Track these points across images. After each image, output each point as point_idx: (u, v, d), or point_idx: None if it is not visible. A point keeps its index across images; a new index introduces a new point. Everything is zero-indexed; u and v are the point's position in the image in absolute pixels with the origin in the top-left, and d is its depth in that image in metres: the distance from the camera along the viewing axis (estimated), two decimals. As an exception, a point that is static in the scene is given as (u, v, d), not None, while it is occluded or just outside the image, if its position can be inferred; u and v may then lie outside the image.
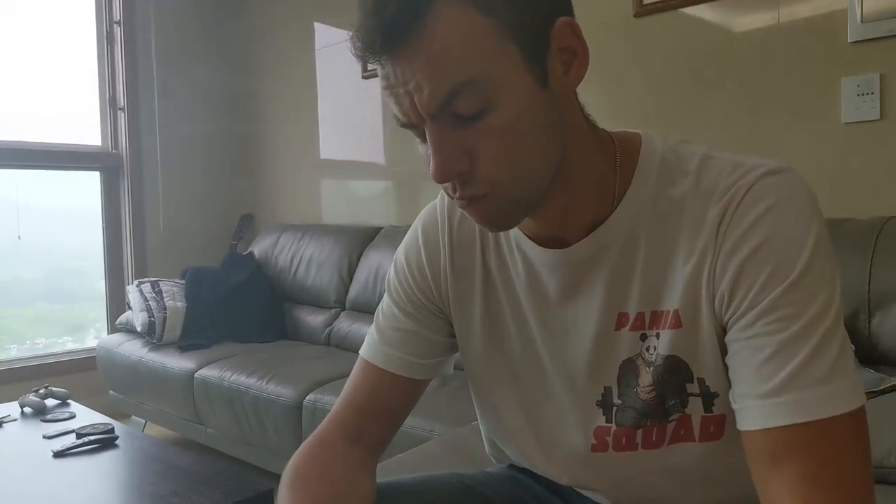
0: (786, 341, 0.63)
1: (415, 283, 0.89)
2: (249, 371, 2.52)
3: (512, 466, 0.98)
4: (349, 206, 3.55)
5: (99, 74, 3.70)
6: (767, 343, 0.64)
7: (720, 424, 0.74)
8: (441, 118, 0.65)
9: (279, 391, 2.36)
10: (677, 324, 0.72)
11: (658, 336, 0.74)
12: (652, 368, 0.74)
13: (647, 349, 0.75)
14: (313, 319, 3.16)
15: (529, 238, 0.80)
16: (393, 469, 1.28)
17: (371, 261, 3.00)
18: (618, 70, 2.38)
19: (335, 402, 2.25)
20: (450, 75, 0.63)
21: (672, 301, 0.72)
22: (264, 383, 2.42)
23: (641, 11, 2.37)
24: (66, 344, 3.73)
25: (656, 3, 2.34)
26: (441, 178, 0.67)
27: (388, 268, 2.86)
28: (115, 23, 3.67)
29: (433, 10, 0.63)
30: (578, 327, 0.78)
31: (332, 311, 3.13)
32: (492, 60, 0.64)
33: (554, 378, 0.82)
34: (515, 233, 0.81)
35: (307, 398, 2.27)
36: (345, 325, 3.01)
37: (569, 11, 0.69)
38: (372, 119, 3.35)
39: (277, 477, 2.46)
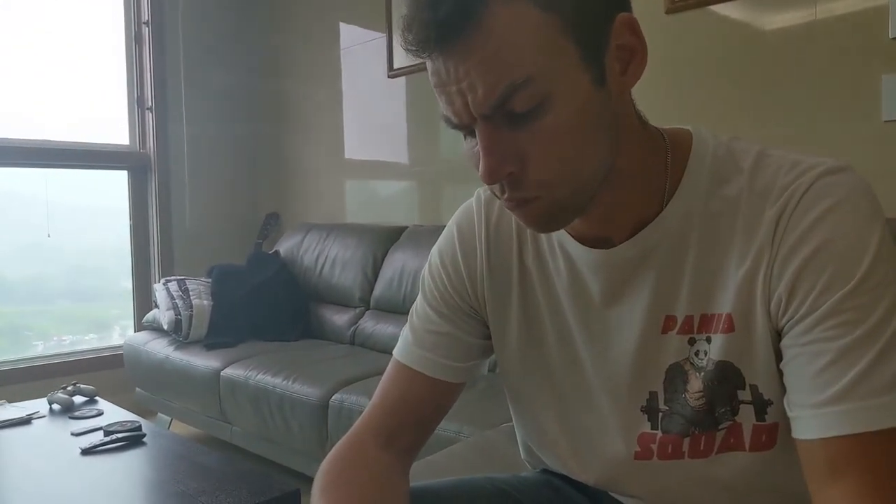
0: (846, 348, 0.61)
1: (450, 284, 0.86)
2: (275, 370, 2.52)
3: (546, 471, 0.95)
4: (373, 205, 3.55)
5: (127, 74, 3.72)
6: (827, 349, 0.62)
7: (772, 434, 0.71)
8: (493, 118, 0.63)
9: (305, 390, 2.35)
10: (730, 328, 0.69)
11: (709, 340, 0.71)
12: (702, 374, 0.72)
13: (697, 354, 0.72)
14: (338, 318, 3.16)
15: (573, 237, 0.77)
16: (422, 471, 1.26)
17: (396, 260, 2.99)
18: (648, 67, 2.33)
19: (361, 402, 2.24)
20: (505, 75, 0.61)
21: (724, 304, 0.70)
22: (290, 382, 2.41)
23: (673, 8, 2.33)
24: (91, 341, 3.76)
25: (688, -1, 2.31)
26: (491, 179, 0.65)
27: (412, 267, 2.86)
28: (144, 23, 3.69)
29: (490, 3, 0.60)
30: (623, 330, 0.75)
31: (357, 310, 3.12)
32: (549, 58, 0.62)
33: (595, 382, 0.79)
34: (558, 232, 0.78)
35: (333, 398, 2.26)
36: (369, 324, 3.00)
37: (628, 7, 0.67)
38: (396, 118, 3.34)
39: (302, 476, 2.46)
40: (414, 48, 0.63)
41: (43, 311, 3.73)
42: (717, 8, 2.26)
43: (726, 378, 0.70)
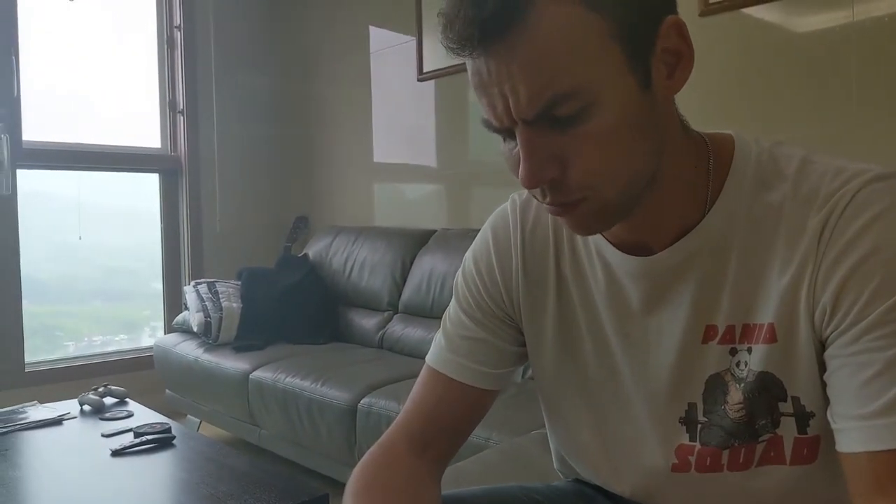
0: (894, 359, 0.58)
1: (484, 289, 0.85)
2: (304, 373, 2.52)
3: (579, 481, 0.93)
4: (402, 208, 3.54)
5: (159, 78, 3.77)
6: (873, 360, 0.59)
7: (814, 447, 0.69)
8: (535, 123, 0.61)
9: (334, 394, 2.35)
10: (772, 338, 0.67)
11: (750, 351, 0.69)
12: (742, 385, 0.70)
13: (738, 364, 0.70)
14: (366, 322, 3.16)
15: (611, 243, 0.75)
16: (452, 478, 1.24)
17: (424, 264, 2.98)
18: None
19: (389, 406, 2.23)
20: (550, 83, 0.59)
21: (766, 314, 0.68)
22: (319, 386, 2.41)
23: (707, 10, 2.30)
24: (121, 342, 3.80)
25: (722, 2, 2.27)
26: (531, 184, 0.63)
27: (441, 271, 2.85)
28: (176, 27, 3.73)
29: (537, 3, 0.58)
30: (662, 340, 0.74)
31: (385, 313, 3.12)
32: (595, 63, 0.60)
33: (632, 392, 0.77)
34: (596, 238, 0.77)
35: (362, 402, 2.26)
36: (398, 328, 2.99)
37: (674, 10, 0.65)
38: (425, 122, 3.33)
39: (330, 480, 2.45)
40: (455, 46, 0.61)
41: (75, 311, 3.78)
42: (752, 10, 2.23)
43: (767, 389, 0.69)
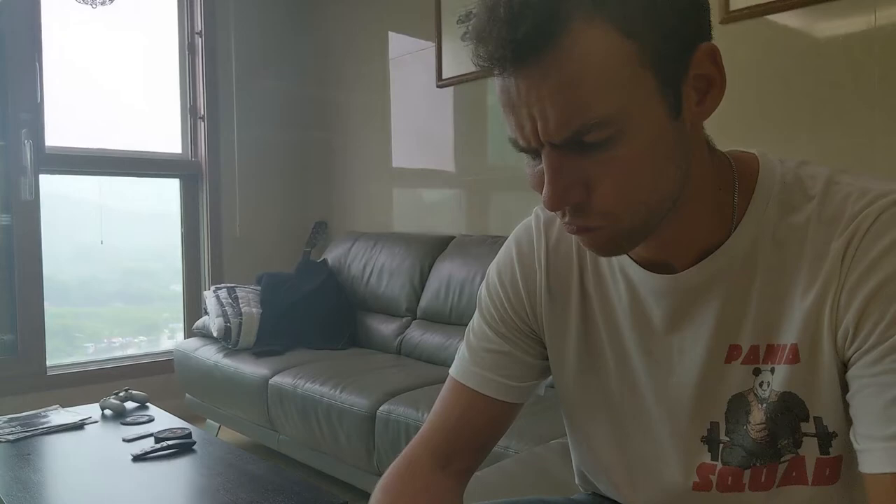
0: None
1: (508, 303, 0.84)
2: (323, 379, 2.52)
3: (598, 495, 0.93)
4: (420, 214, 3.55)
5: (180, 84, 3.79)
6: (894, 383, 0.59)
7: (836, 467, 0.69)
8: (562, 147, 0.61)
9: (353, 400, 2.35)
10: (795, 359, 0.67)
11: (773, 371, 0.69)
12: (765, 406, 0.69)
13: (761, 385, 0.70)
14: (385, 328, 3.16)
15: (635, 261, 0.75)
16: (472, 488, 1.24)
17: (443, 270, 2.98)
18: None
19: (408, 413, 2.22)
20: (582, 110, 0.59)
21: (790, 335, 0.67)
22: (338, 392, 2.42)
23: (728, 18, 2.29)
24: (141, 343, 3.83)
25: (743, 9, 2.26)
26: (554, 207, 0.63)
27: (459, 277, 2.85)
28: (197, 34, 3.76)
29: (572, 27, 0.58)
30: (684, 358, 0.73)
31: (404, 319, 3.12)
32: (627, 92, 0.59)
33: (654, 411, 0.77)
34: (619, 255, 0.76)
35: (380, 409, 2.26)
36: (416, 334, 2.99)
37: (709, 36, 0.64)
38: (444, 128, 3.34)
39: (349, 486, 2.45)
40: (486, 64, 0.61)
41: (96, 312, 3.82)
42: (773, 18, 2.21)
43: (789, 410, 0.68)
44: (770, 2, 2.20)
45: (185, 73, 3.79)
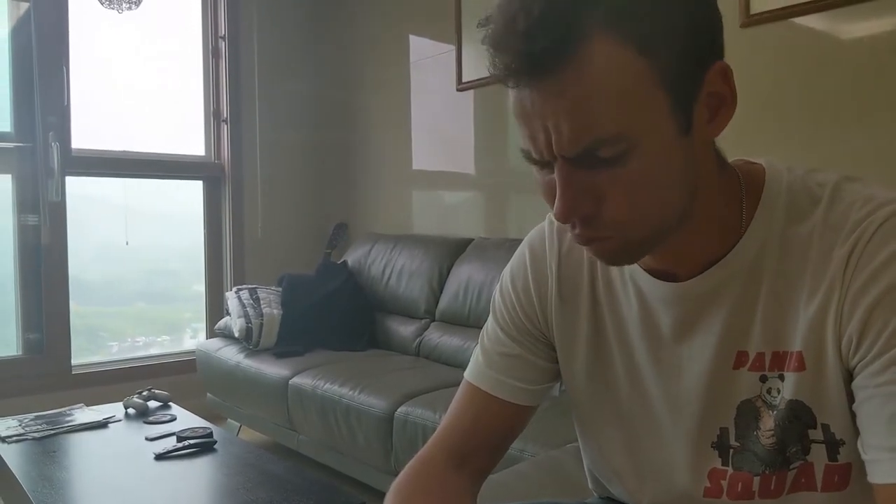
0: None
1: (520, 307, 0.86)
2: (342, 380, 2.55)
3: (611, 499, 0.94)
4: (440, 216, 3.56)
5: (204, 88, 3.84)
6: None
7: (845, 474, 0.69)
8: (575, 160, 0.62)
9: (371, 402, 2.37)
10: (801, 366, 0.68)
11: (782, 378, 0.69)
12: (774, 412, 0.70)
13: (769, 392, 0.70)
14: (404, 329, 3.18)
15: (645, 270, 0.76)
16: (488, 491, 1.25)
17: (461, 272, 2.99)
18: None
19: (426, 415, 2.24)
20: (593, 127, 0.60)
21: (795, 342, 0.68)
22: (356, 393, 2.44)
23: (748, 22, 2.28)
24: (164, 343, 3.88)
25: (764, 12, 2.25)
26: (565, 219, 0.64)
27: (478, 280, 2.86)
28: (220, 38, 3.81)
29: (588, 42, 0.58)
30: (693, 365, 0.74)
31: (423, 321, 3.14)
32: (641, 109, 0.60)
33: (664, 417, 0.78)
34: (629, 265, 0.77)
35: (398, 410, 2.27)
36: (434, 336, 3.00)
37: (721, 54, 0.65)
38: (464, 130, 3.35)
39: (367, 487, 2.47)
40: (501, 74, 0.62)
41: (120, 312, 3.87)
42: (794, 20, 2.20)
43: (798, 417, 0.69)
44: (791, 5, 2.19)
45: (209, 76, 3.84)
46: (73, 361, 3.39)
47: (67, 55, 3.29)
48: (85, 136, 3.39)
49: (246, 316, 3.08)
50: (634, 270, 0.77)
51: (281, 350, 2.99)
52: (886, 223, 0.63)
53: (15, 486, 1.65)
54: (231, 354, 3.07)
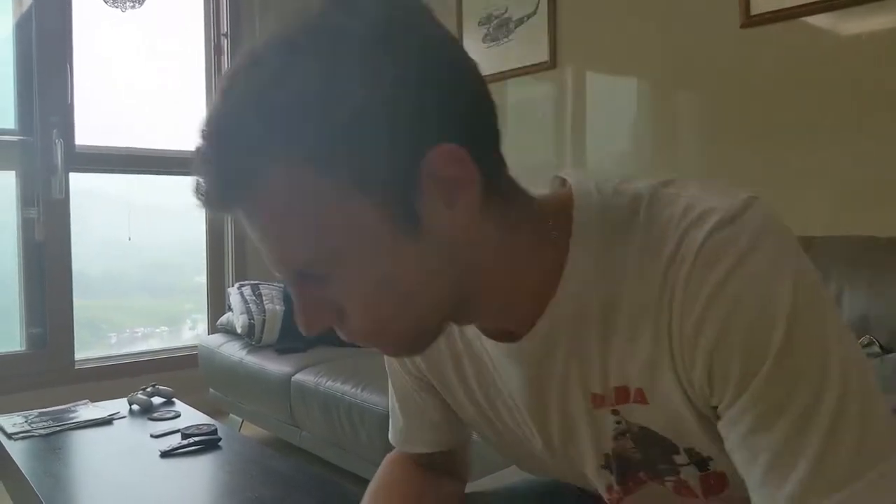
0: (782, 444, 0.54)
1: (400, 362, 0.88)
2: (345, 377, 2.56)
3: None
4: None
5: (206, 84, 3.84)
6: (763, 447, 0.55)
7: (721, 478, 0.68)
8: (299, 275, 0.60)
9: (374, 399, 2.38)
10: (643, 401, 0.64)
11: (630, 411, 0.67)
12: (630, 435, 0.69)
13: (619, 423, 0.69)
14: (405, 326, 3.18)
15: (481, 330, 0.73)
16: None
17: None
18: (722, 85, 2.31)
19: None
20: (294, 251, 0.58)
21: (632, 378, 0.64)
22: (359, 390, 2.45)
23: (748, 22, 2.29)
24: (162, 334, 3.90)
25: (765, 13, 2.26)
26: (309, 332, 0.62)
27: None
28: (223, 35, 3.81)
29: (263, 175, 0.55)
30: (556, 413, 0.72)
31: (424, 318, 3.14)
32: (336, 228, 0.56)
33: (555, 460, 0.78)
34: (471, 327, 0.75)
35: (400, 408, 2.29)
36: (436, 333, 3.01)
37: (448, 134, 0.56)
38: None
39: (370, 484, 2.45)
40: (201, 203, 0.60)
41: (121, 305, 3.89)
42: (795, 21, 2.21)
43: (656, 444, 0.67)
44: (792, 6, 2.20)
45: (211, 73, 3.84)
46: (77, 356, 3.40)
47: (71, 53, 3.30)
48: (88, 132, 3.40)
49: (248, 312, 3.09)
50: (478, 332, 0.73)
51: (283, 346, 3.00)
52: (703, 250, 0.57)
53: (22, 483, 1.67)
54: (233, 350, 3.09)
